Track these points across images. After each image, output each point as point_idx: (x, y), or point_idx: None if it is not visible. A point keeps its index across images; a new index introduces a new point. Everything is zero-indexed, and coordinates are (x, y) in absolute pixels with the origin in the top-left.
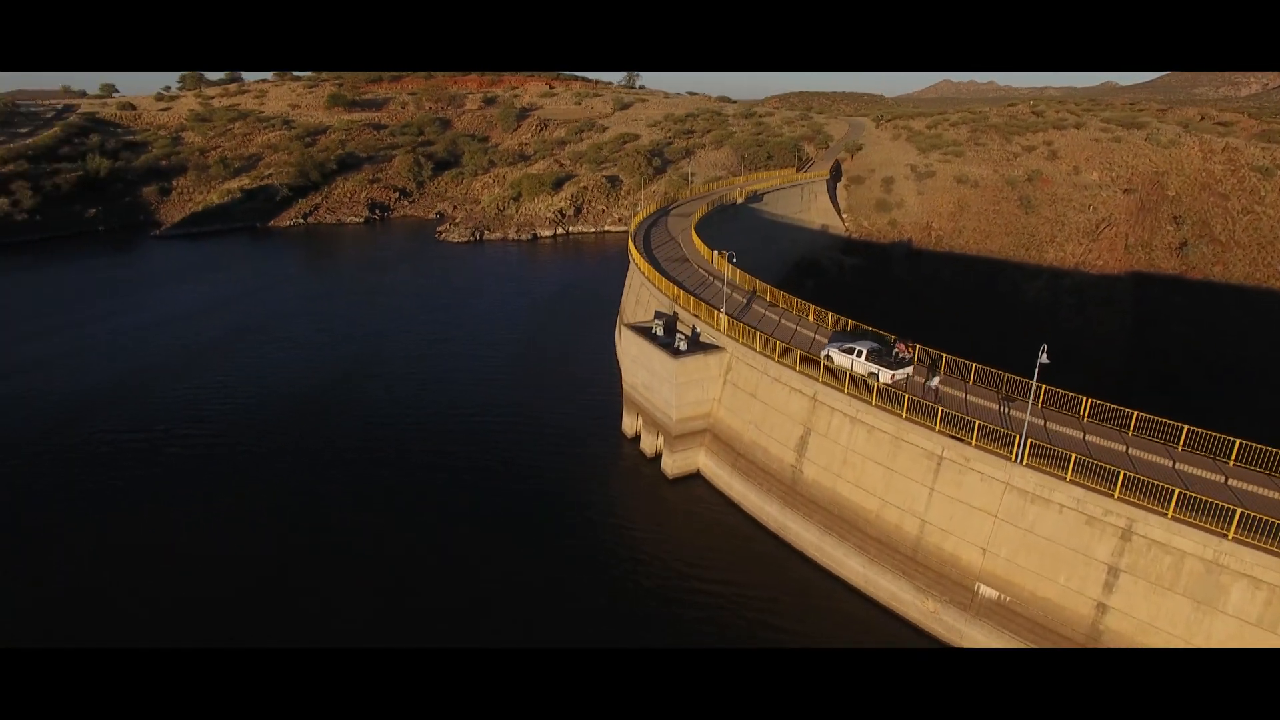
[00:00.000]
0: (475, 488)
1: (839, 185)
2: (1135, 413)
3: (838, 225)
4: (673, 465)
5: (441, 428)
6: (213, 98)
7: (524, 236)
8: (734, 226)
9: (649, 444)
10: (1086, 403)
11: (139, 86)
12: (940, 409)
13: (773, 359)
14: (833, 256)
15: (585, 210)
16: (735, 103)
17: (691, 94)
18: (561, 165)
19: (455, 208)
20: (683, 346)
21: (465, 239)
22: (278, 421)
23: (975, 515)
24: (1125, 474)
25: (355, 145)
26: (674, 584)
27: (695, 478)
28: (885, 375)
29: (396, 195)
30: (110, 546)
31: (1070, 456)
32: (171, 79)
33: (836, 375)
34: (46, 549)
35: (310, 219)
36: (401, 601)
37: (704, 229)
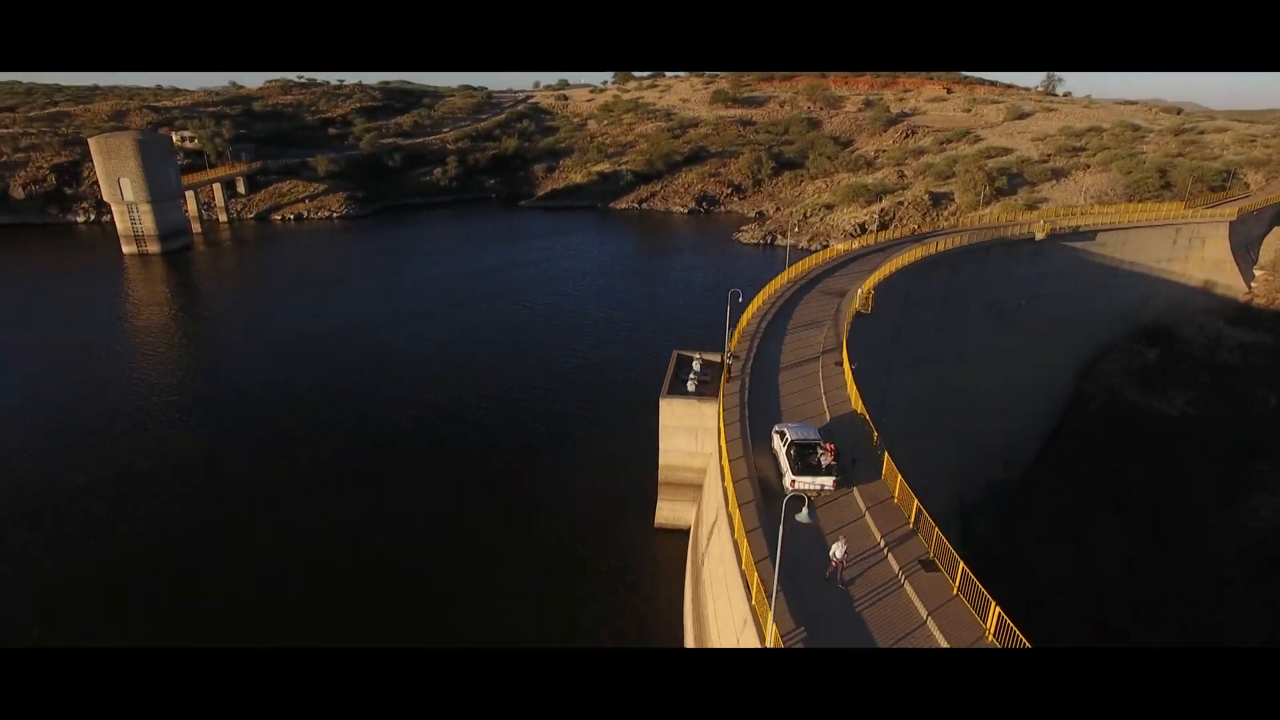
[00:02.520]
0: (488, 473)
1: (1275, 231)
2: None
3: (1235, 284)
4: (659, 514)
5: (507, 414)
6: (628, 91)
7: (815, 246)
8: (1024, 268)
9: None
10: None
11: (584, 80)
12: (746, 543)
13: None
14: (1207, 325)
15: (894, 226)
16: (1180, 114)
17: (1127, 102)
18: (902, 177)
19: (778, 209)
20: (691, 387)
21: (756, 241)
22: (416, 382)
23: None
24: None
25: (715, 140)
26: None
27: (686, 534)
28: (788, 479)
29: (729, 190)
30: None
31: None
32: (608, 74)
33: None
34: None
35: (644, 205)
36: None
37: (957, 265)
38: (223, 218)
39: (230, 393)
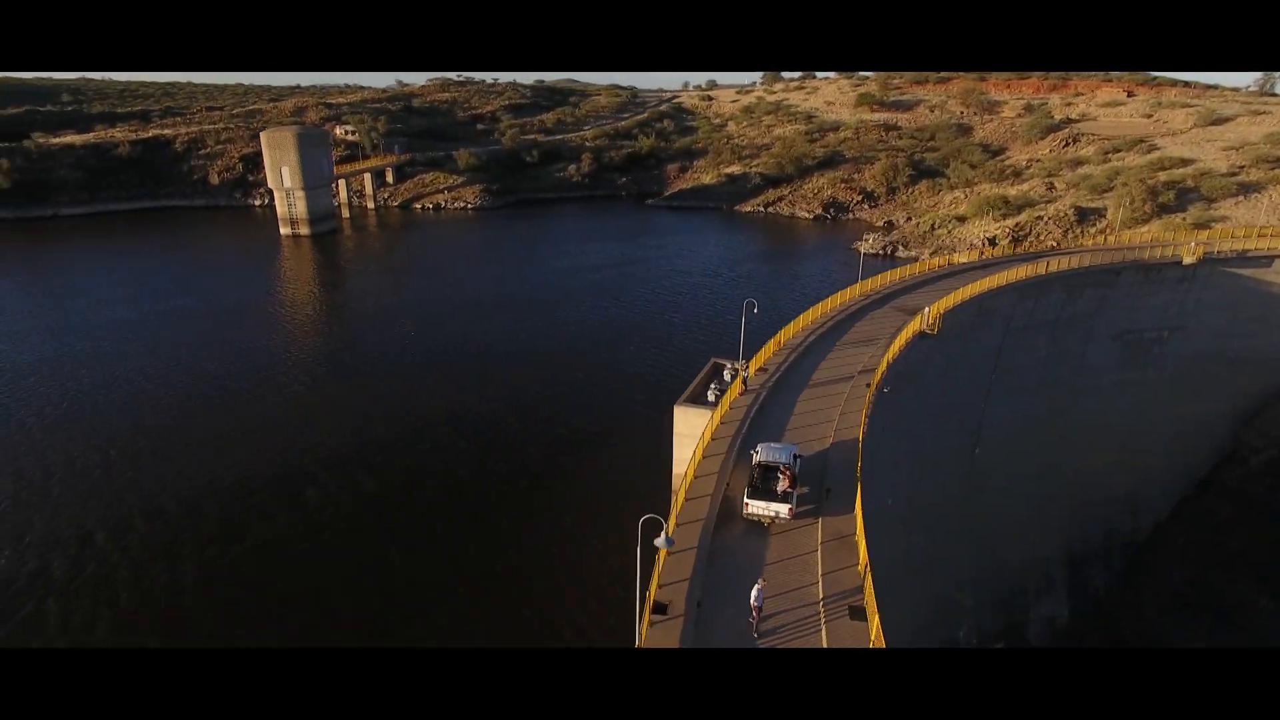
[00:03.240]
0: (526, 465)
1: None
2: None
3: None
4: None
5: (566, 406)
6: (774, 92)
7: (937, 259)
8: (1166, 296)
9: None
10: None
11: (733, 81)
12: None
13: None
14: None
15: (1029, 241)
16: None
17: None
18: (1051, 189)
19: (909, 219)
20: (712, 397)
21: (875, 251)
22: (497, 367)
23: None
24: None
25: (853, 145)
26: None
27: None
28: (744, 501)
29: (860, 198)
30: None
31: None
32: (756, 75)
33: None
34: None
35: (770, 208)
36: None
37: (1075, 287)
38: (370, 204)
39: (336, 362)
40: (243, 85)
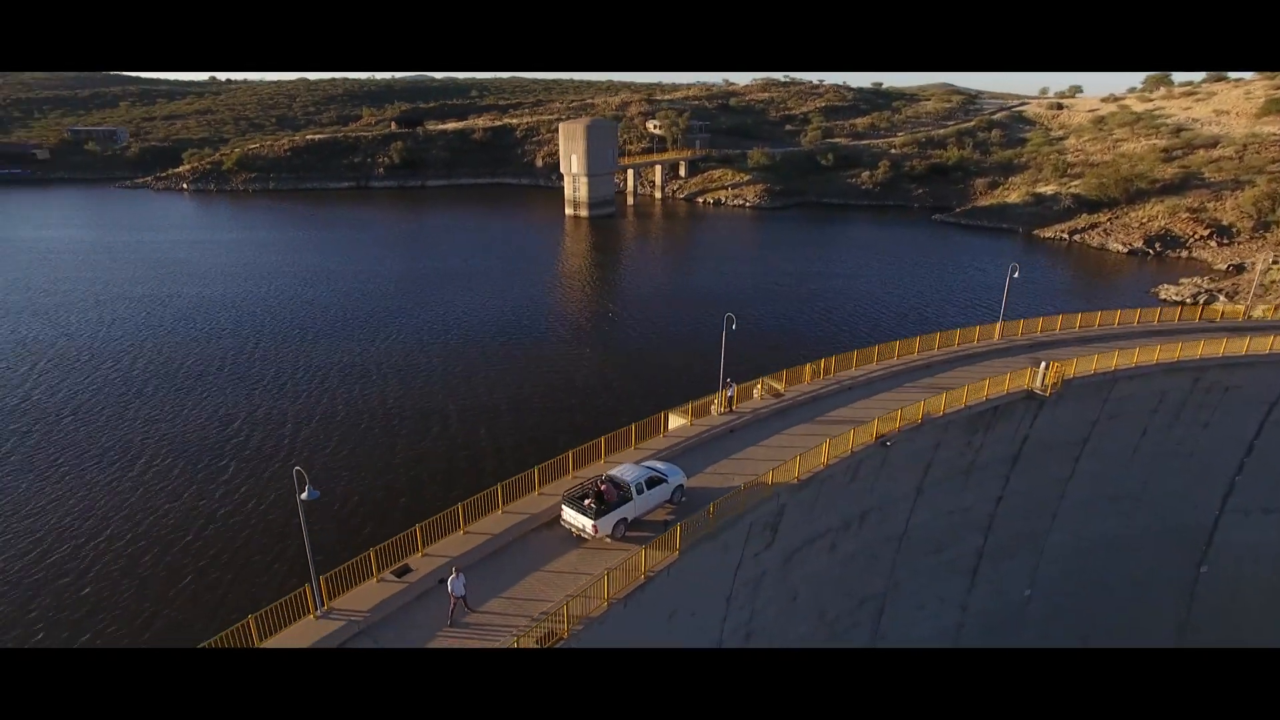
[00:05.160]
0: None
1: None
2: None
3: None
4: None
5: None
6: (1152, 99)
7: (1262, 311)
8: None
9: None
10: None
11: (1105, 86)
12: None
13: None
14: None
15: None
16: None
17: None
18: None
19: (1277, 263)
20: (714, 410)
21: (1182, 298)
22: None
23: None
24: None
25: (1225, 167)
26: None
27: None
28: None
29: (1207, 232)
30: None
31: None
32: (1137, 79)
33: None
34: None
35: (1076, 236)
36: None
37: None
38: (657, 194)
39: (524, 325)
40: (609, 81)
